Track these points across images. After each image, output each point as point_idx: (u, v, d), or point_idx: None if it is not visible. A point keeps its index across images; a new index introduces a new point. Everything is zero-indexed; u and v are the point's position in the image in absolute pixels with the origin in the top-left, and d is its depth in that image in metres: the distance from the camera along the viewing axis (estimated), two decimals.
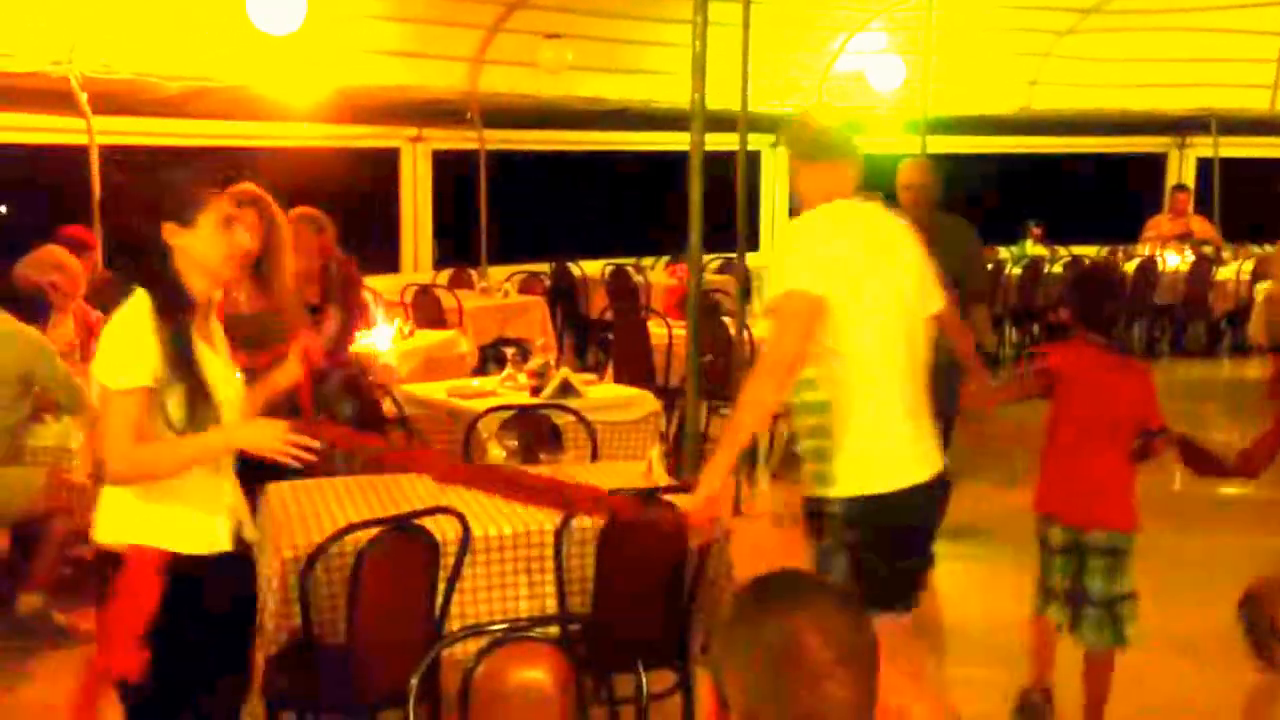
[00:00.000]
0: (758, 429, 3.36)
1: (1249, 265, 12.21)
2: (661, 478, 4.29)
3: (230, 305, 4.35)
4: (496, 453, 4.51)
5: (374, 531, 3.49)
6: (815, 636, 1.60)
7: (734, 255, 8.01)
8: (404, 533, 3.53)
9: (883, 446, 3.31)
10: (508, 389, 6.04)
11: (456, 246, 11.88)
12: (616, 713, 3.67)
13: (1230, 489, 6.61)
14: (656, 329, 8.53)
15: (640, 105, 11.41)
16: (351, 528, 3.50)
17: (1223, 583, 4.90)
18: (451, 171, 11.45)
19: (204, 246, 2.94)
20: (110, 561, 2.92)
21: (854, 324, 3.27)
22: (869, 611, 1.67)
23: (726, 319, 7.99)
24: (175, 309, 2.90)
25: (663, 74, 10.85)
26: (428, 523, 3.60)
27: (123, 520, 2.94)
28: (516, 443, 4.64)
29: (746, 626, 1.65)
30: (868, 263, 3.33)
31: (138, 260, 2.94)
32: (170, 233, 2.91)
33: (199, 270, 2.96)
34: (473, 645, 2.90)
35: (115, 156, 7.71)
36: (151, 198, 2.94)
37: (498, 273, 11.07)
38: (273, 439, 2.93)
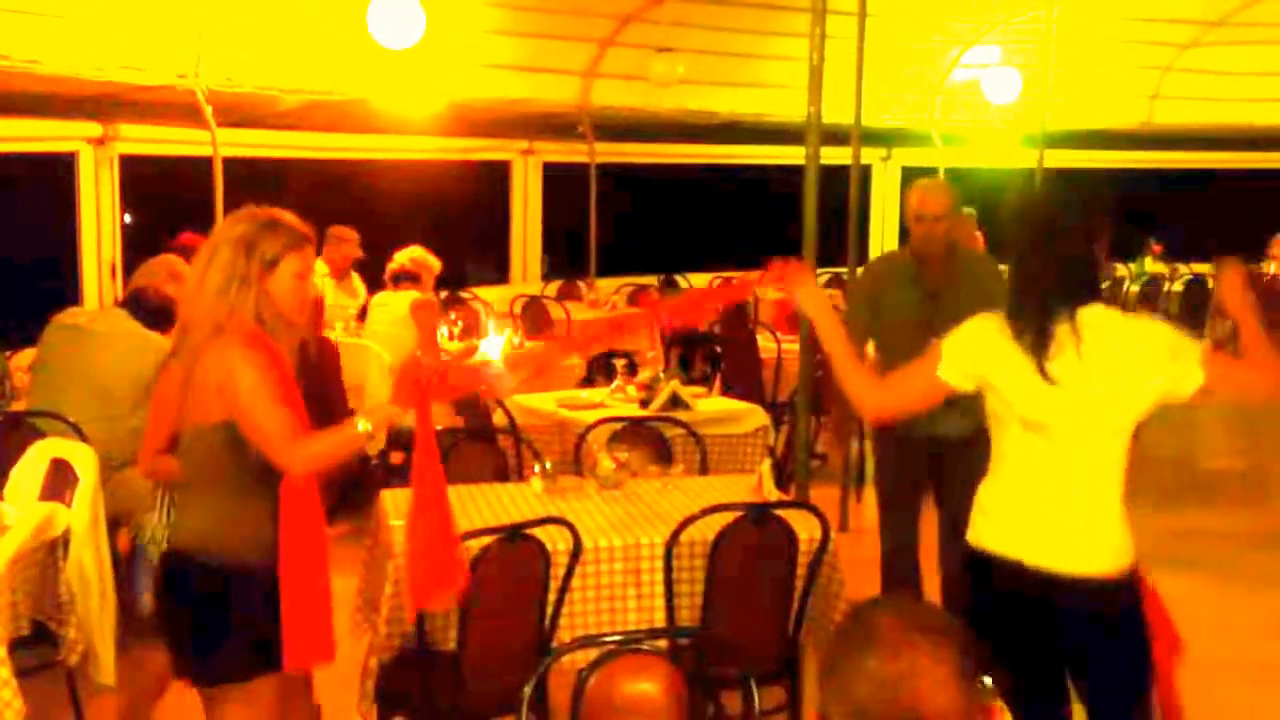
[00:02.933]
0: None
1: None
2: (772, 492, 4.26)
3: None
4: (607, 464, 4.51)
5: (486, 540, 3.52)
6: (920, 677, 1.58)
7: (843, 270, 7.94)
8: (516, 542, 3.56)
9: None
10: (617, 401, 6.07)
11: (566, 259, 11.96)
12: None
13: None
14: (765, 343, 8.50)
15: (751, 119, 11.37)
16: (465, 536, 3.53)
17: None
18: (562, 184, 11.54)
19: None
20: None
21: None
22: None
23: None
24: None
25: (774, 88, 10.81)
26: (538, 532, 3.62)
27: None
28: (627, 455, 4.64)
29: (851, 658, 1.64)
30: None
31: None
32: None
33: None
34: (581, 655, 2.91)
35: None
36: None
37: (606, 285, 11.12)
38: None
